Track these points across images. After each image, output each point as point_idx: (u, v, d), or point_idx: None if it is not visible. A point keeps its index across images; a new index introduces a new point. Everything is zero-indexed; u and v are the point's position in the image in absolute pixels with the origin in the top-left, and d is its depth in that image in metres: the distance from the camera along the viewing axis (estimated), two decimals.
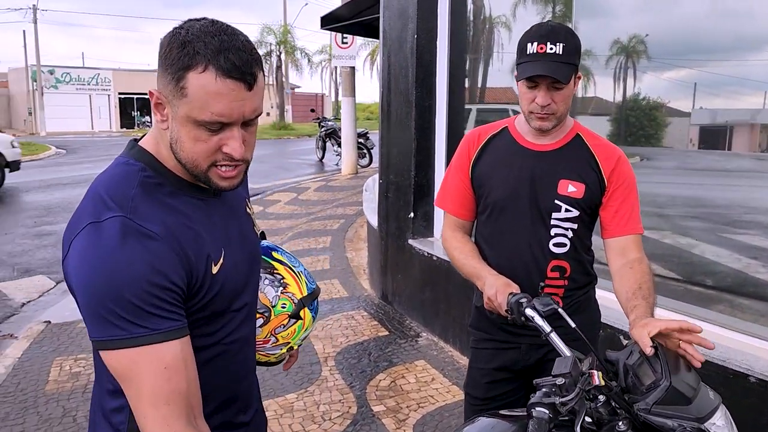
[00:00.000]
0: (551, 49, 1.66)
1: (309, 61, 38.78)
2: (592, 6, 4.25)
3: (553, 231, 1.82)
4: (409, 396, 3.50)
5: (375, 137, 4.94)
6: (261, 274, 1.37)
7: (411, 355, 4.08)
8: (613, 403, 1.34)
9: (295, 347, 1.44)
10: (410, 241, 4.65)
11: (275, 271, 1.37)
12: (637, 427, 1.32)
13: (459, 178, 1.95)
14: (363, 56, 41.50)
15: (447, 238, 1.99)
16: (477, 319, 2.00)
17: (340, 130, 14.85)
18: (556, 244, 1.83)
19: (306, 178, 13.86)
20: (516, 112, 1.95)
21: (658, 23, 3.75)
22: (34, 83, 36.36)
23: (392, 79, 4.82)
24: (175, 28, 1.04)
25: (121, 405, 1.10)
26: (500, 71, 4.89)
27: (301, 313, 1.38)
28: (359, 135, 14.67)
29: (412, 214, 4.64)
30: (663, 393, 1.28)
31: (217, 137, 1.05)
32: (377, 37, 5.38)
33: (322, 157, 17.43)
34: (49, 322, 4.85)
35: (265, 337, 1.34)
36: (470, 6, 4.77)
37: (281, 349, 1.39)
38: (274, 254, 1.42)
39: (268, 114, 38.95)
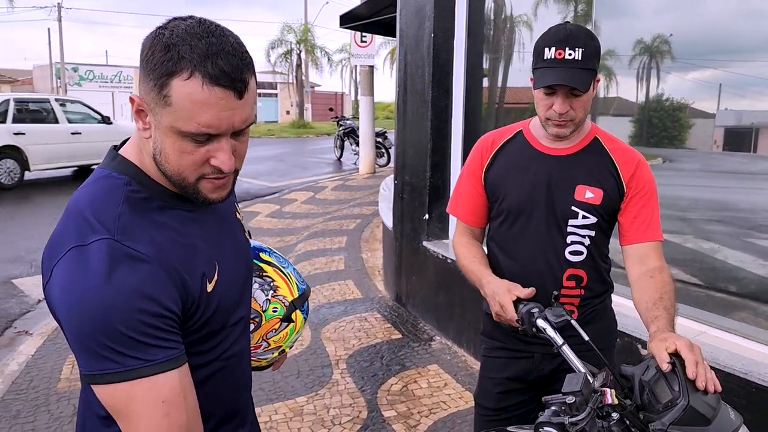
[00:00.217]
0: (570, 54, 1.59)
1: (329, 59, 38.85)
2: (614, 5, 4.16)
3: (569, 238, 1.76)
4: (420, 401, 3.44)
5: (393, 136, 4.89)
6: None
7: (424, 359, 4.02)
8: (627, 422, 1.28)
9: (287, 350, 1.39)
10: (425, 243, 4.58)
11: (264, 274, 1.30)
12: None
13: (471, 184, 1.90)
14: (383, 55, 41.49)
15: (456, 244, 1.95)
16: (488, 326, 1.94)
17: (358, 129, 14.82)
18: (572, 252, 1.76)
19: (324, 177, 13.85)
20: None
21: (682, 23, 3.67)
22: (58, 80, 36.90)
23: (408, 78, 4.76)
24: (158, 28, 0.96)
25: None
26: (521, 71, 4.81)
27: (293, 316, 1.32)
28: (377, 134, 14.62)
29: (427, 216, 4.58)
30: (680, 413, 1.21)
31: (204, 149, 0.98)
32: (396, 36, 5.32)
33: (340, 156, 17.41)
34: None
35: (257, 343, 1.28)
36: (489, 5, 4.70)
37: (273, 353, 1.34)
38: (262, 255, 1.35)
39: (288, 112, 39.15)
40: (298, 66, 35.82)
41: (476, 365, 3.83)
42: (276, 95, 45.26)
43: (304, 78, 36.77)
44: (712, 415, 1.24)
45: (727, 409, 1.30)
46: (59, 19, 37.19)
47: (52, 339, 4.42)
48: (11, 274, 6.20)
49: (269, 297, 1.28)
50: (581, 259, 1.77)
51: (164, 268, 0.97)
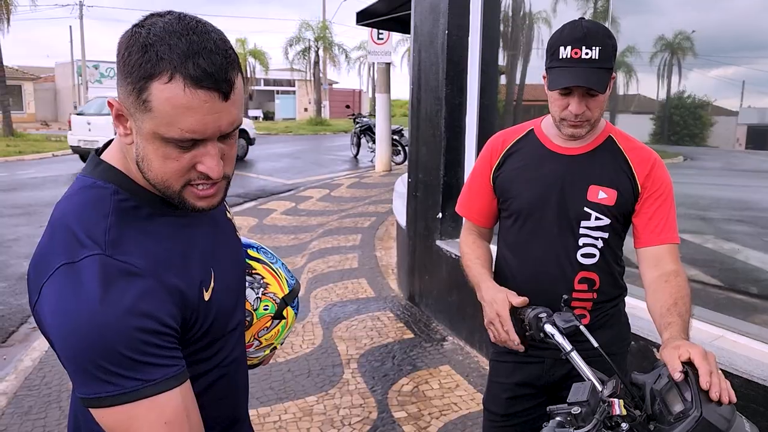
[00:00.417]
0: (587, 54, 1.53)
1: (347, 56, 38.89)
2: (635, 0, 4.08)
3: (581, 240, 1.70)
4: (431, 403, 3.40)
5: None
6: None
7: (436, 359, 3.98)
8: None
9: (279, 347, 1.36)
10: (438, 242, 4.54)
11: (254, 272, 1.26)
12: None
13: (479, 184, 1.86)
14: (401, 52, 41.34)
15: (462, 243, 1.91)
16: None
17: (375, 126, 14.79)
18: (584, 255, 1.71)
19: (340, 174, 13.85)
20: None
21: (704, 19, 3.60)
22: (80, 78, 37.33)
23: (422, 75, 4.71)
24: (134, 27, 0.89)
25: None
26: (539, 68, 4.74)
27: (284, 313, 1.28)
28: (394, 132, 14.58)
29: (440, 215, 4.53)
30: (693, 424, 1.15)
31: (189, 154, 0.92)
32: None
33: (357, 153, 17.40)
34: None
35: (249, 341, 1.25)
36: (505, 0, 4.63)
37: (264, 351, 1.30)
38: (251, 252, 1.30)
39: (305, 110, 39.25)
40: (316, 63, 35.88)
41: (489, 366, 3.77)
42: (294, 92, 45.39)
43: (321, 75, 36.84)
44: (726, 427, 1.18)
45: (743, 421, 1.24)
46: (81, 17, 37.62)
47: None
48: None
49: (259, 295, 1.24)
50: (594, 261, 1.72)
51: (160, 281, 0.92)
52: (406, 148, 14.89)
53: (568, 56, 1.55)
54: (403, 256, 5.31)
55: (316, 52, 35.77)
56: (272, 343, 1.30)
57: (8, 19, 24.64)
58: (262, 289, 1.24)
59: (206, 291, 1.02)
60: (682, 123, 3.93)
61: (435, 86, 4.52)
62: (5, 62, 24.29)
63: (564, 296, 1.64)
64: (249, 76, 37.54)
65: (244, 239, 1.29)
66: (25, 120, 34.55)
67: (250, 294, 1.22)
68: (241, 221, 8.45)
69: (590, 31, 1.55)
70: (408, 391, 3.53)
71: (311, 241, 7.22)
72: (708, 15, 3.61)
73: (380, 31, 12.72)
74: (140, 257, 0.92)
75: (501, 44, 4.74)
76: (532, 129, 1.81)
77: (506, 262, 1.83)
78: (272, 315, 1.25)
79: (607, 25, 3.45)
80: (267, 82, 42.56)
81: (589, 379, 1.30)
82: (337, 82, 47.17)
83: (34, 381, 3.72)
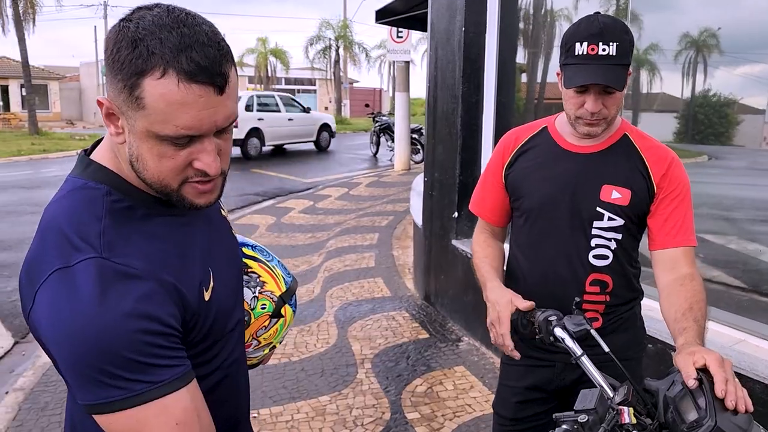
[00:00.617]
0: (604, 50, 1.48)
1: (367, 55, 38.90)
2: None
3: (593, 241, 1.65)
4: (445, 404, 3.37)
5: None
6: None
7: (450, 360, 3.94)
8: None
9: (278, 346, 1.33)
10: (454, 242, 4.49)
11: (250, 270, 1.24)
12: None
13: (492, 182, 1.82)
14: (421, 51, 41.26)
15: (474, 241, 1.89)
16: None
17: (394, 125, 14.76)
18: (596, 256, 1.66)
19: (359, 173, 13.84)
20: None
21: (730, 15, 3.51)
22: (104, 77, 37.87)
23: (439, 73, 4.66)
24: (122, 21, 0.86)
25: None
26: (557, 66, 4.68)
27: (282, 311, 1.25)
28: (413, 131, 14.53)
29: (456, 214, 4.49)
30: None
31: (185, 151, 0.89)
32: None
33: (376, 152, 17.39)
34: None
35: (247, 341, 1.23)
36: None
37: (263, 351, 1.28)
38: (246, 250, 1.27)
39: (326, 108, 39.32)
40: (336, 62, 35.96)
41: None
42: (314, 91, 45.53)
43: (342, 74, 36.89)
44: None
45: (759, 430, 1.19)
46: (105, 17, 38.20)
47: None
48: None
49: (256, 294, 1.22)
50: (607, 263, 1.67)
51: (159, 282, 0.90)
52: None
53: (585, 52, 1.50)
54: (419, 256, 5.28)
55: (337, 51, 35.85)
56: (271, 342, 1.28)
57: (34, 19, 25.09)
58: (258, 288, 1.22)
59: (206, 291, 1.00)
60: (707, 122, 3.84)
61: (451, 84, 4.48)
62: (32, 62, 24.73)
63: (575, 299, 1.60)
64: (270, 75, 37.77)
65: (239, 237, 1.27)
66: (51, 119, 35.15)
67: (247, 293, 1.20)
68: (259, 219, 8.48)
69: (607, 27, 1.50)
70: (422, 392, 3.50)
71: (328, 240, 7.21)
72: (734, 12, 3.53)
73: (399, 29, 12.68)
74: (138, 259, 0.90)
75: (521, 41, 4.68)
76: (546, 127, 1.77)
77: (518, 263, 1.80)
78: (270, 314, 1.23)
79: (627, 22, 3.38)
80: (288, 81, 42.76)
81: (600, 385, 1.25)
82: (357, 81, 47.17)
83: (51, 377, 3.76)
